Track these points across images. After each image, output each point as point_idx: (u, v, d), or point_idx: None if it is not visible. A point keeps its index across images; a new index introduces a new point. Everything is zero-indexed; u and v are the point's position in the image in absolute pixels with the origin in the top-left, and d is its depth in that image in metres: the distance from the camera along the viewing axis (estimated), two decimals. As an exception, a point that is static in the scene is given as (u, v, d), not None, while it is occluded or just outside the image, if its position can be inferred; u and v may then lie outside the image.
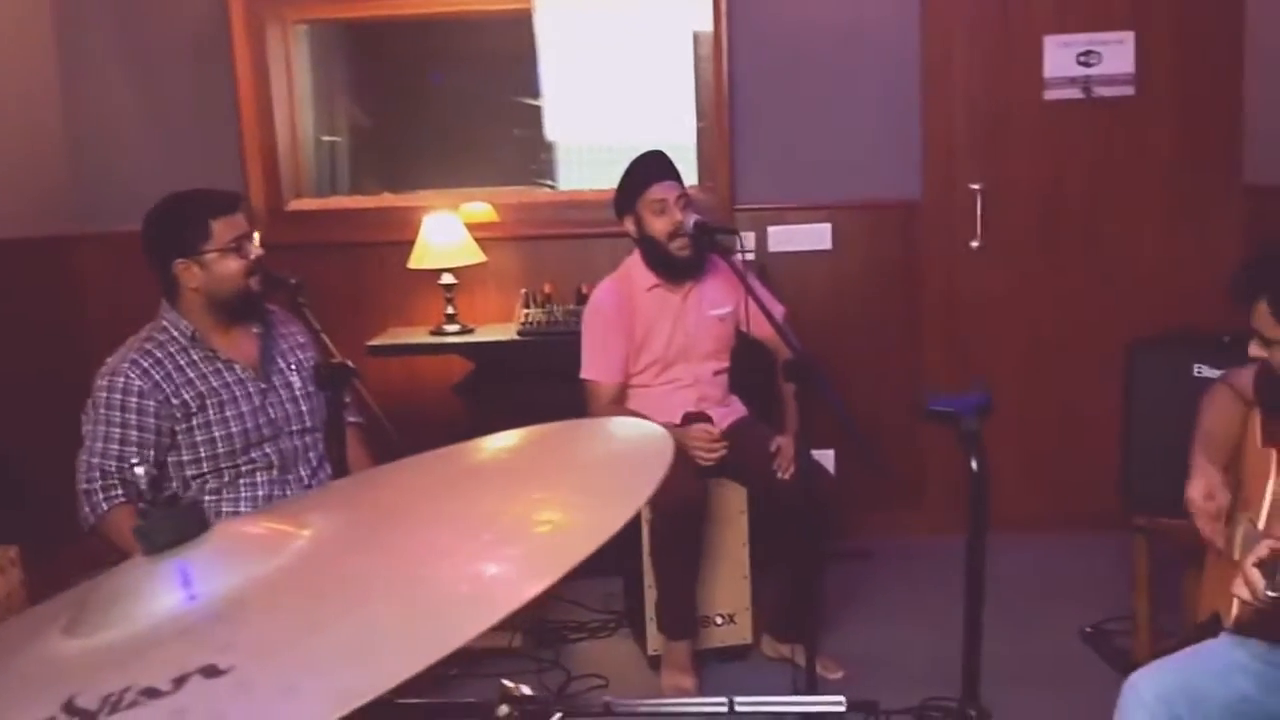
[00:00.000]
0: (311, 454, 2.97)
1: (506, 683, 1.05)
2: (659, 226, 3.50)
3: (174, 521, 0.96)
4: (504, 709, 1.02)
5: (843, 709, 1.17)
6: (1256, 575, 1.79)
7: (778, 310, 3.46)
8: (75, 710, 0.77)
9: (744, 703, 1.14)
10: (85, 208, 4.57)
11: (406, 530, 1.05)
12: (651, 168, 3.55)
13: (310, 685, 0.76)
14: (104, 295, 4.54)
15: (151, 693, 0.78)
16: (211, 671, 0.78)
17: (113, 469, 2.71)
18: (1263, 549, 1.82)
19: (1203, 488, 2.30)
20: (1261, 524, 2.03)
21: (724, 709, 1.14)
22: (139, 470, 0.99)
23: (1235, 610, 2.00)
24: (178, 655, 0.82)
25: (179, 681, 0.78)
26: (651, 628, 3.56)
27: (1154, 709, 2.08)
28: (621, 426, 1.26)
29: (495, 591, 0.87)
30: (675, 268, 3.56)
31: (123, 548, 2.65)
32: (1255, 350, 2.18)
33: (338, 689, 0.74)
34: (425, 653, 0.76)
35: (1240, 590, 1.86)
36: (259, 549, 0.96)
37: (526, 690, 1.05)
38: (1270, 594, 1.79)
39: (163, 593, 0.92)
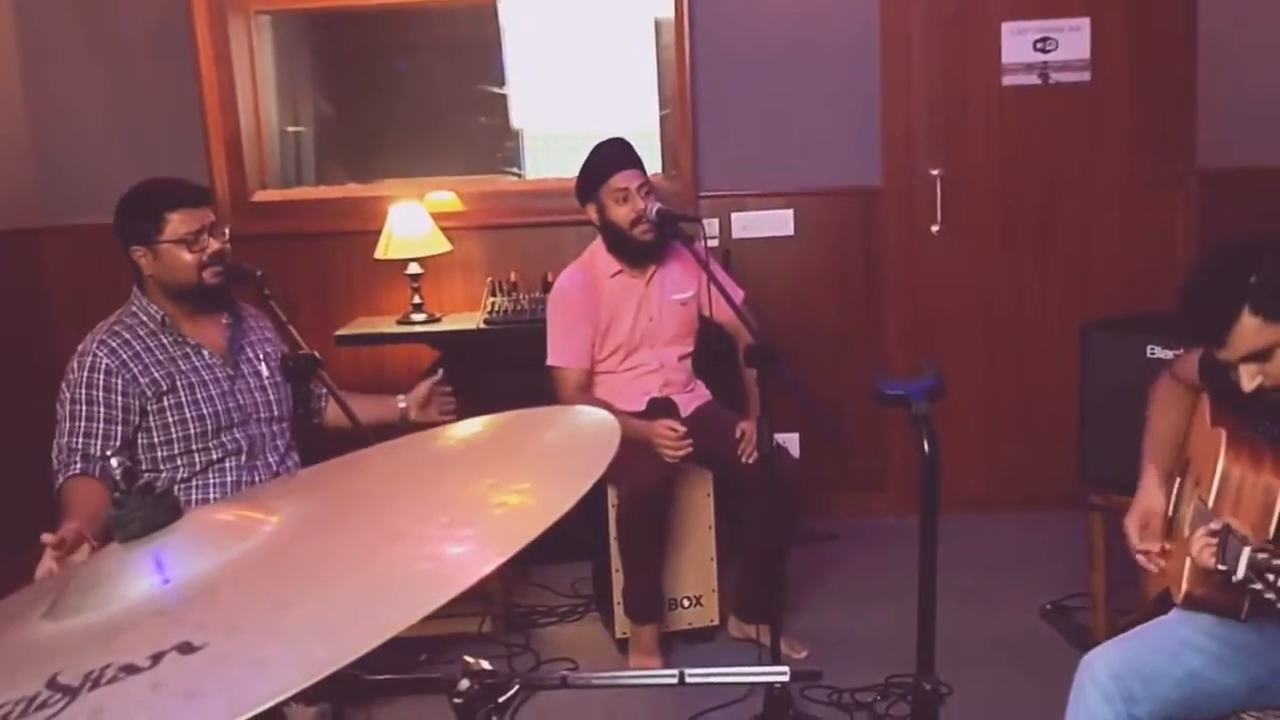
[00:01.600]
0: (279, 441, 3.00)
1: (468, 658, 1.09)
2: (621, 214, 3.52)
3: (148, 510, 1.00)
4: (465, 683, 1.07)
5: (786, 679, 1.22)
6: (1208, 555, 1.87)
7: (737, 294, 3.51)
8: (59, 687, 0.82)
9: (694, 674, 1.19)
10: (49, 201, 4.56)
11: (369, 514, 1.09)
12: (613, 156, 3.57)
13: (279, 657, 0.81)
14: (68, 288, 4.54)
15: (131, 669, 0.82)
16: (187, 648, 0.83)
17: (81, 446, 2.73)
18: (1215, 524, 1.90)
19: (1139, 518, 2.34)
20: (1211, 502, 2.09)
21: (674, 681, 1.19)
22: (114, 462, 1.02)
23: (1184, 587, 2.07)
24: (154, 634, 0.86)
25: (156, 658, 0.83)
26: (619, 611, 3.61)
27: (1107, 687, 2.14)
28: (574, 415, 1.31)
29: (453, 569, 0.92)
30: (638, 252, 3.59)
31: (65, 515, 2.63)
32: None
33: (305, 660, 0.79)
34: (387, 626, 0.81)
35: (1198, 554, 1.94)
36: (229, 534, 1.01)
37: (486, 665, 1.10)
38: (1221, 568, 1.86)
39: (138, 577, 0.97)
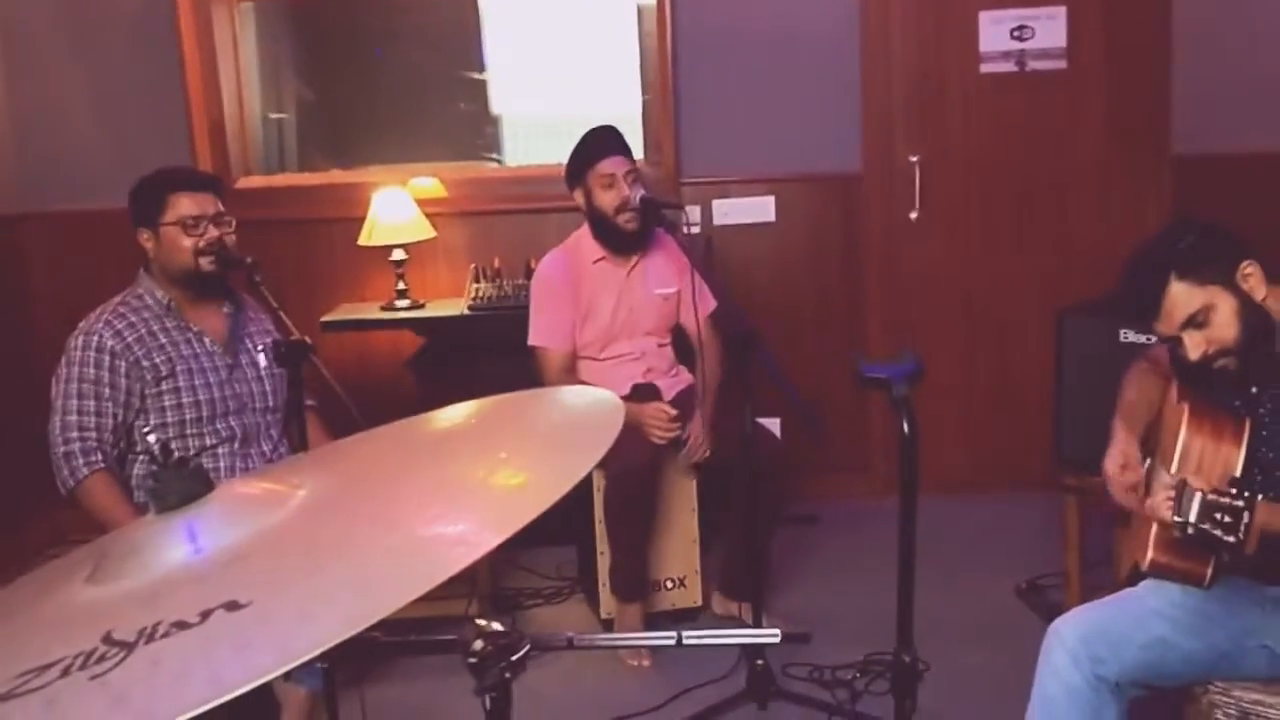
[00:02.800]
0: (273, 431, 3.04)
1: (480, 620, 1.15)
2: (607, 200, 3.56)
3: (185, 483, 1.05)
4: (479, 643, 1.12)
5: (778, 640, 1.29)
6: (1166, 508, 1.95)
7: (708, 304, 3.58)
8: (114, 642, 0.87)
9: (691, 636, 1.25)
10: (30, 187, 4.56)
11: (382, 490, 1.15)
12: (602, 142, 3.60)
13: (323, 613, 0.86)
14: (49, 274, 4.55)
15: (182, 624, 0.88)
16: (233, 606, 0.88)
17: (90, 425, 2.76)
18: (1172, 480, 1.98)
19: (1118, 459, 2.40)
20: (1174, 471, 2.17)
21: (672, 642, 1.26)
22: (151, 437, 1.08)
23: (1150, 554, 2.14)
24: (198, 595, 0.92)
25: (205, 614, 0.88)
26: (604, 592, 3.66)
27: (1075, 651, 2.21)
28: (573, 394, 1.36)
29: (466, 541, 0.97)
30: (621, 241, 3.63)
31: (96, 515, 2.70)
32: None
33: (346, 615, 0.84)
34: (413, 587, 0.87)
35: (1157, 507, 2.01)
36: (258, 507, 1.06)
37: (498, 626, 1.15)
38: (1177, 519, 1.94)
39: (174, 546, 1.02)
